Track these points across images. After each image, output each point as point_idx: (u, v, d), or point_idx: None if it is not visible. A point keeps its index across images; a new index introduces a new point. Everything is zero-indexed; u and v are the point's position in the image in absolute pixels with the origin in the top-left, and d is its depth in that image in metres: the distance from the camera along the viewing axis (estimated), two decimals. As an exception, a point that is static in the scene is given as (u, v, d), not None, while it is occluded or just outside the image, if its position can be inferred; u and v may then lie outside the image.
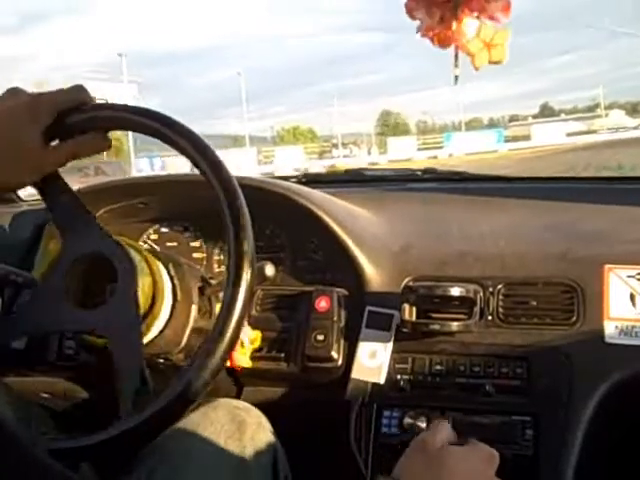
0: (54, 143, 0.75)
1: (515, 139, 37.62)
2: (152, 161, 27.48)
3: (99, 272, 0.85)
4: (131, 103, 0.79)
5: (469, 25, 0.66)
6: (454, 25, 0.66)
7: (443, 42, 0.68)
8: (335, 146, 41.77)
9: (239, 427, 0.90)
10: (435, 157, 31.76)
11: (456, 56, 0.68)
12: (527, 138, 35.89)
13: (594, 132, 38.80)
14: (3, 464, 0.46)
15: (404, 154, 32.51)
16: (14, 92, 0.72)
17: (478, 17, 0.67)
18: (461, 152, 31.16)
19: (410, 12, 0.69)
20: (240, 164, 24.01)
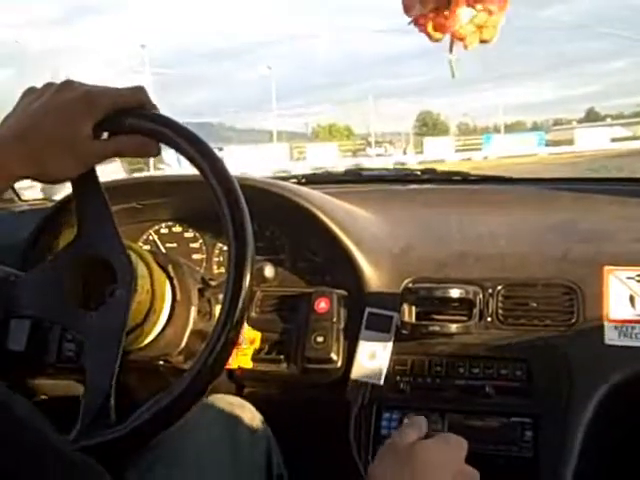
0: (103, 137, 0.75)
1: (557, 143, 36.41)
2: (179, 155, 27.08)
3: (99, 273, 0.85)
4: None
5: (463, 14, 0.67)
6: (447, 13, 0.66)
7: (436, 31, 0.68)
8: (370, 144, 40.83)
9: (233, 423, 0.90)
10: (469, 159, 30.93)
11: (451, 45, 0.69)
12: (570, 142, 34.78)
13: (639, 138, 37.60)
14: (36, 462, 0.46)
15: (440, 155, 31.58)
16: (69, 84, 0.71)
17: (472, 6, 0.67)
18: (497, 155, 30.44)
19: (407, 9, 0.69)
20: (271, 159, 23.83)
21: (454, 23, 0.67)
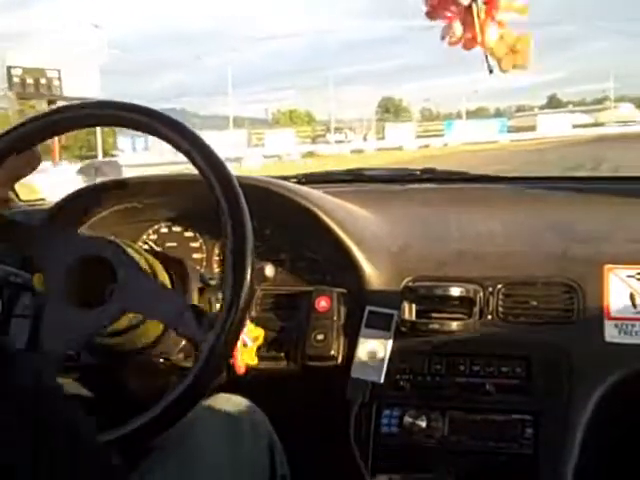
0: None
1: (519, 130, 36.08)
2: (134, 140, 26.19)
3: (99, 272, 0.85)
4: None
5: (491, 32, 0.68)
6: (478, 34, 0.68)
7: (469, 46, 0.70)
8: (330, 130, 40.02)
9: (237, 422, 0.90)
10: (427, 146, 30.63)
11: (486, 57, 0.70)
12: (532, 129, 34.57)
13: (602, 125, 37.15)
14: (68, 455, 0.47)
15: (401, 141, 31.28)
16: None
17: (500, 24, 0.68)
18: (458, 141, 30.13)
19: (431, 17, 0.70)
20: (229, 146, 23.14)
21: (484, 41, 0.68)
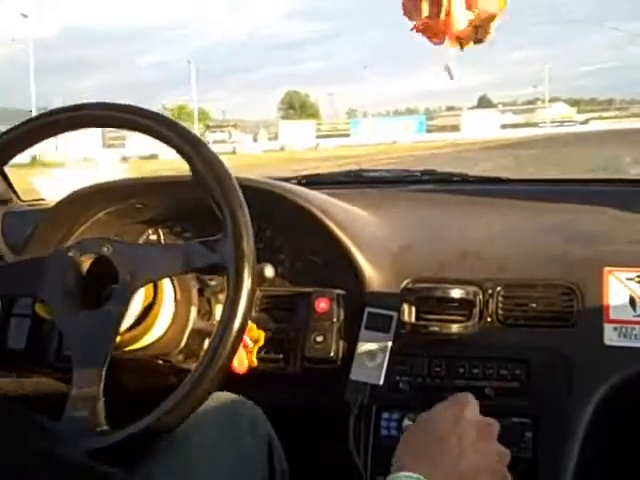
0: None
1: (443, 129, 33.41)
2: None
3: (100, 272, 0.85)
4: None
5: (461, 18, 0.67)
6: (442, 16, 0.67)
7: (436, 37, 0.69)
8: (210, 128, 34.60)
9: (235, 420, 0.91)
10: (316, 147, 27.31)
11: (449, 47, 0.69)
12: (456, 129, 32.01)
13: (534, 125, 34.25)
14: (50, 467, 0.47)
15: (297, 141, 27.68)
16: None
17: (469, 7, 0.67)
18: (365, 142, 26.99)
19: (407, 13, 0.70)
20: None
21: (452, 28, 0.68)
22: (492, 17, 0.68)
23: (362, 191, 1.45)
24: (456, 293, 1.04)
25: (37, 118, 0.88)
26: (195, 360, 0.94)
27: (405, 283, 1.09)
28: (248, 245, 0.78)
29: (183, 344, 0.95)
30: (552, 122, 34.04)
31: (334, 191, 1.34)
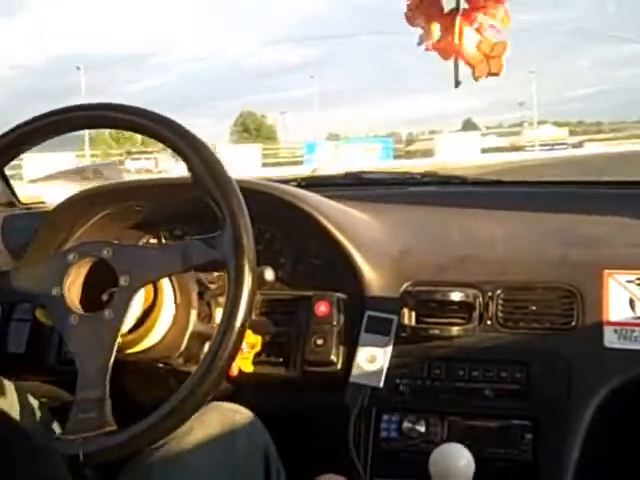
0: None
1: (412, 155, 28.58)
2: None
3: (100, 275, 0.85)
4: None
5: (469, 38, 0.68)
6: (456, 38, 0.68)
7: (445, 54, 0.69)
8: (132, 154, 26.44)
9: (231, 429, 0.90)
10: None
11: (456, 66, 0.70)
12: (429, 154, 27.43)
13: (521, 149, 29.58)
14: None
15: (242, 169, 20.09)
16: None
17: (478, 30, 0.68)
18: (317, 171, 22.90)
19: (410, 21, 0.70)
20: None
21: (461, 49, 0.68)
22: (503, 47, 0.69)
23: (362, 193, 1.45)
24: (456, 296, 1.04)
25: (33, 120, 0.88)
26: (195, 363, 0.94)
27: (405, 286, 1.09)
28: (248, 242, 0.78)
29: (183, 347, 0.95)
30: (541, 145, 30.15)
31: (334, 193, 1.34)
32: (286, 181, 1.44)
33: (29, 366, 1.19)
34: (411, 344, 1.05)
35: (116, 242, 0.89)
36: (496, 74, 0.70)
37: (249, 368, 1.08)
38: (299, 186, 1.39)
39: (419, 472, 0.93)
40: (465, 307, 1.04)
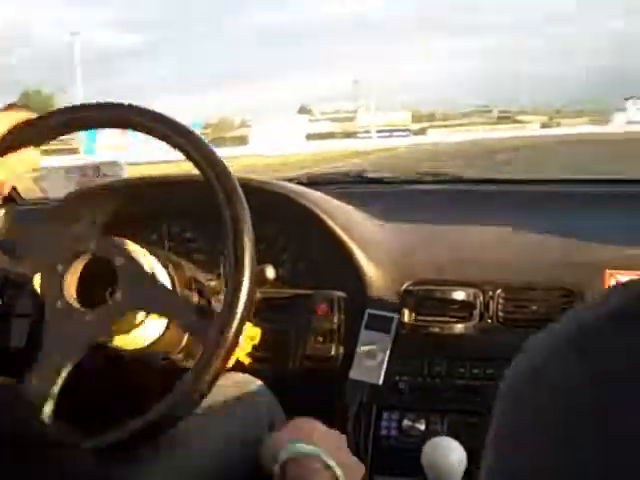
0: None
1: (223, 143, 24.96)
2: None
3: (100, 273, 0.85)
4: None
5: None
6: None
7: None
8: None
9: (244, 397, 0.94)
10: None
11: None
12: (244, 141, 24.37)
13: (352, 135, 26.32)
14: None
15: None
16: None
17: None
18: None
19: None
20: None
21: None
22: None
23: (364, 192, 1.45)
24: (456, 295, 1.04)
25: (32, 122, 0.87)
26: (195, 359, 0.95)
27: (406, 285, 1.09)
28: (248, 245, 0.78)
29: (183, 344, 0.95)
30: (379, 131, 26.96)
31: (336, 191, 1.34)
32: (289, 179, 1.44)
33: (29, 362, 1.19)
34: (411, 342, 1.05)
35: (117, 240, 0.89)
36: None
37: (245, 359, 1.08)
38: (301, 183, 1.39)
39: (418, 470, 0.93)
40: (465, 306, 1.05)
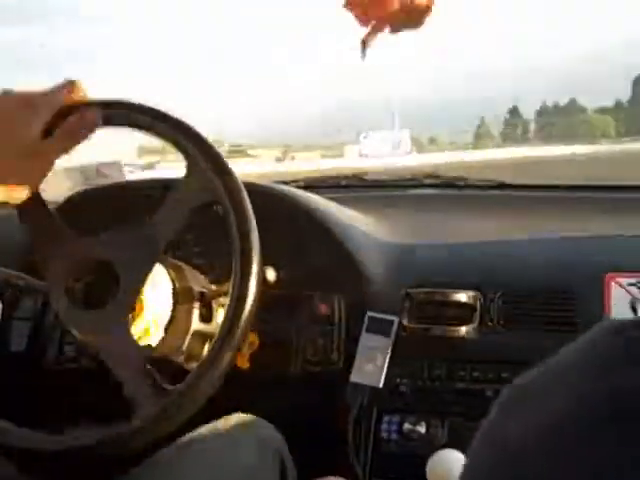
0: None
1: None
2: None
3: (102, 275, 0.85)
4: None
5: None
6: None
7: (365, 16, 0.68)
8: None
9: (249, 436, 0.90)
10: None
11: (371, 33, 0.68)
12: None
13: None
14: None
15: None
16: (5, 93, 0.71)
17: None
18: None
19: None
20: None
21: (388, 7, 0.67)
22: (426, 9, 0.68)
23: (364, 195, 1.45)
24: (457, 297, 1.04)
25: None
26: (197, 362, 0.94)
27: (406, 288, 1.09)
28: (254, 249, 0.78)
29: (185, 347, 0.95)
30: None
31: (336, 195, 1.34)
32: (288, 182, 1.45)
33: (29, 365, 1.19)
34: (412, 345, 1.05)
35: (120, 243, 0.89)
36: (414, 27, 0.69)
37: (244, 364, 1.08)
38: (300, 187, 1.40)
39: (418, 474, 0.93)
40: (466, 308, 1.05)
